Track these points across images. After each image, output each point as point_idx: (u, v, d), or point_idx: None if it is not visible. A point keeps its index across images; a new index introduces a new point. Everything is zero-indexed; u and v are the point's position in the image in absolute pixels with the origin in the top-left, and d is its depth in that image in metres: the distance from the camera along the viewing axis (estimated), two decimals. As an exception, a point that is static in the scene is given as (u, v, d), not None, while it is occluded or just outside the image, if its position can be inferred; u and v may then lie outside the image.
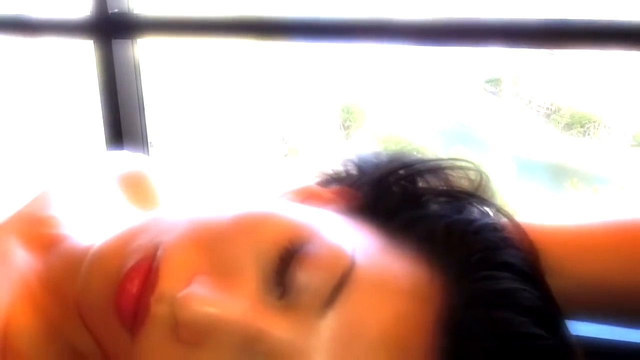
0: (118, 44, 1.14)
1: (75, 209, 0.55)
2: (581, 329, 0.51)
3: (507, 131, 5.65)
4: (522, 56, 5.60)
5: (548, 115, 5.64)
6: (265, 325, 0.40)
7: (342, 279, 0.41)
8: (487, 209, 0.50)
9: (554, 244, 0.49)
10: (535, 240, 0.48)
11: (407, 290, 0.43)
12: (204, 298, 0.39)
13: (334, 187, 0.53)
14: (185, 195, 0.63)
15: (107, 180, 0.59)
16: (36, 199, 0.54)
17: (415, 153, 0.54)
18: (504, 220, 0.49)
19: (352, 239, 0.43)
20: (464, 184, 0.50)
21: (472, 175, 0.51)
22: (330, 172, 0.54)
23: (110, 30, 1.12)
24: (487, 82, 5.92)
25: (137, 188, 0.60)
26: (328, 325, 0.40)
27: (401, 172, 0.50)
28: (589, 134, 5.44)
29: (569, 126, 5.51)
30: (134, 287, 0.41)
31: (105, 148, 1.19)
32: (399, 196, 0.49)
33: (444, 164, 0.51)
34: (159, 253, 0.42)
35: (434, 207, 0.49)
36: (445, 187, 0.50)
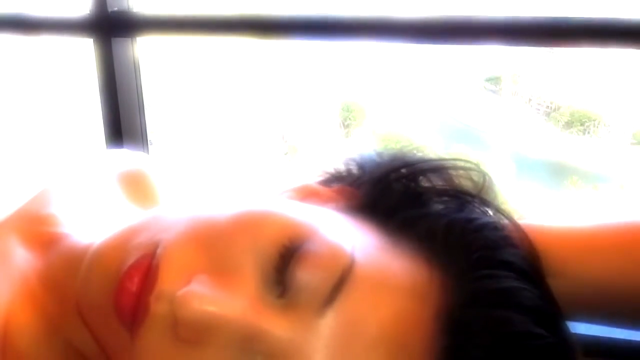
0: (118, 43, 1.13)
1: (75, 207, 0.55)
2: (580, 327, 0.51)
3: (507, 129, 5.66)
4: (522, 54, 5.61)
5: (548, 114, 5.64)
6: (264, 324, 0.40)
7: (342, 278, 0.41)
8: (487, 209, 0.50)
9: (556, 245, 0.49)
10: (537, 241, 0.48)
11: (407, 288, 0.43)
12: (203, 296, 0.39)
13: (335, 186, 0.53)
14: (185, 194, 0.63)
15: (106, 178, 0.59)
16: (36, 197, 0.54)
17: (416, 152, 0.54)
18: (504, 221, 0.49)
19: (351, 238, 0.43)
20: (466, 184, 0.50)
21: (475, 176, 0.51)
22: (332, 170, 0.54)
23: (110, 28, 1.12)
24: (487, 80, 5.92)
25: (136, 186, 0.60)
26: (327, 324, 0.40)
27: (403, 170, 0.50)
28: (588, 132, 5.44)
29: (568, 124, 5.52)
30: (133, 285, 0.41)
31: (105, 146, 1.19)
32: (399, 194, 0.49)
33: (446, 164, 0.51)
34: (158, 251, 0.42)
35: (435, 205, 0.49)
36: (446, 187, 0.50)
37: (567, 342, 0.45)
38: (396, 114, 5.81)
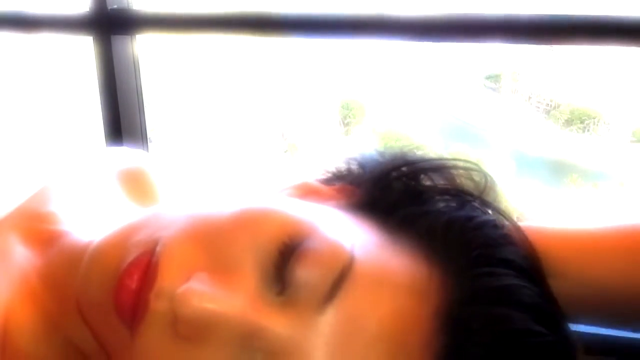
0: (117, 40, 1.13)
1: (74, 205, 0.55)
2: (580, 324, 0.51)
3: (507, 127, 5.65)
4: (522, 52, 5.60)
5: (548, 111, 5.64)
6: (264, 322, 0.40)
7: (341, 275, 0.41)
8: (488, 208, 0.50)
9: (557, 246, 0.49)
10: (538, 242, 0.48)
11: (407, 286, 0.43)
12: (203, 294, 0.39)
13: (335, 184, 0.53)
14: (184, 191, 0.63)
15: (106, 176, 0.59)
16: (36, 195, 0.54)
17: (416, 151, 0.54)
18: (505, 221, 0.49)
19: (351, 235, 0.43)
20: (467, 184, 0.50)
21: (476, 176, 0.51)
22: (332, 169, 0.54)
23: (110, 26, 1.12)
24: (486, 78, 5.92)
25: (136, 184, 0.60)
26: (327, 321, 0.40)
27: (403, 169, 0.50)
28: (588, 130, 5.44)
29: (568, 122, 5.52)
30: (133, 282, 0.41)
31: (105, 144, 1.19)
32: (399, 192, 0.49)
33: (448, 163, 0.51)
34: (158, 249, 0.42)
35: (434, 203, 0.49)
36: (447, 186, 0.50)
37: (567, 340, 0.45)
38: (396, 111, 5.81)
